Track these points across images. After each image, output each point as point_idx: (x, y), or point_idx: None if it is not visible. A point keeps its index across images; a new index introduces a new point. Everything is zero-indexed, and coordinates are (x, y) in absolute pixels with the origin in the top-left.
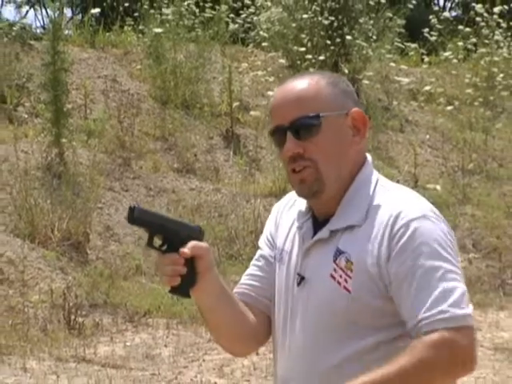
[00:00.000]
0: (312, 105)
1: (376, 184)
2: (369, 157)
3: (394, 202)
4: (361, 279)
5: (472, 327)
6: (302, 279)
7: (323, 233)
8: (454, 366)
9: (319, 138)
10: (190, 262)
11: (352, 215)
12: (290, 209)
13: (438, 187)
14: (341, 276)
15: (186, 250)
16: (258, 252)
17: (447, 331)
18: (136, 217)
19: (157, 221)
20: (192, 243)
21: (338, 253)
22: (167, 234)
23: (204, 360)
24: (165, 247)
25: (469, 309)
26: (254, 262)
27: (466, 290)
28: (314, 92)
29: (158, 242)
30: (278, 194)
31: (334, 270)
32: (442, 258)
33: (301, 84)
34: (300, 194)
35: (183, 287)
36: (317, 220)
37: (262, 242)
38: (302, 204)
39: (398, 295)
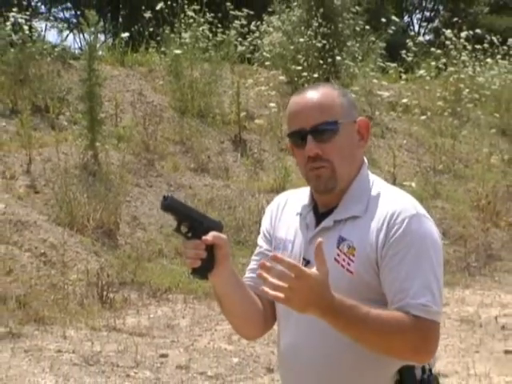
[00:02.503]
0: (331, 112)
1: (373, 182)
2: (365, 159)
3: (392, 199)
4: (362, 263)
5: (439, 324)
6: (307, 263)
7: (327, 222)
8: (416, 349)
9: (336, 141)
10: (210, 249)
11: (354, 208)
12: (284, 207)
13: (413, 184)
14: (344, 260)
15: (209, 237)
16: (257, 249)
17: (425, 320)
18: (168, 204)
19: (185, 210)
20: (213, 233)
21: (341, 240)
22: (193, 222)
23: (216, 329)
24: (190, 234)
25: (439, 307)
26: (253, 257)
27: (439, 290)
28: (331, 101)
29: (184, 229)
30: (279, 190)
31: (338, 254)
32: (429, 254)
33: (319, 93)
34: (316, 189)
35: (202, 270)
36: (318, 212)
37: (260, 239)
38: (301, 199)
39: (387, 277)
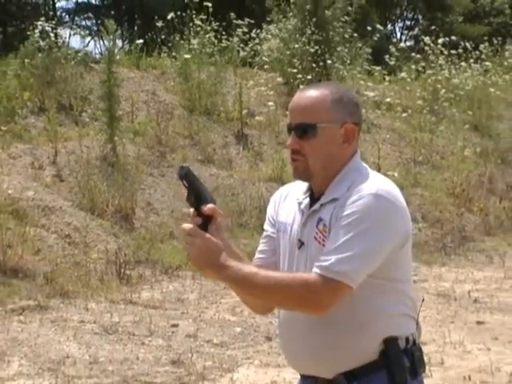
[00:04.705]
0: (313, 115)
1: (360, 170)
2: (358, 150)
3: (367, 181)
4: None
5: (342, 283)
6: (302, 244)
7: (316, 206)
8: (304, 302)
9: (313, 141)
10: (209, 221)
11: (336, 191)
12: (286, 196)
13: (396, 174)
14: (320, 237)
15: (206, 208)
16: (264, 233)
17: (319, 276)
18: (184, 173)
19: (196, 182)
20: (210, 205)
21: (319, 220)
22: (199, 194)
23: (221, 302)
24: (195, 204)
25: (347, 268)
26: (261, 240)
27: (359, 257)
28: (318, 105)
29: (192, 198)
30: (276, 179)
31: (316, 233)
32: (362, 227)
33: (312, 95)
34: (294, 177)
35: None
36: (314, 196)
37: (266, 224)
38: (301, 188)
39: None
